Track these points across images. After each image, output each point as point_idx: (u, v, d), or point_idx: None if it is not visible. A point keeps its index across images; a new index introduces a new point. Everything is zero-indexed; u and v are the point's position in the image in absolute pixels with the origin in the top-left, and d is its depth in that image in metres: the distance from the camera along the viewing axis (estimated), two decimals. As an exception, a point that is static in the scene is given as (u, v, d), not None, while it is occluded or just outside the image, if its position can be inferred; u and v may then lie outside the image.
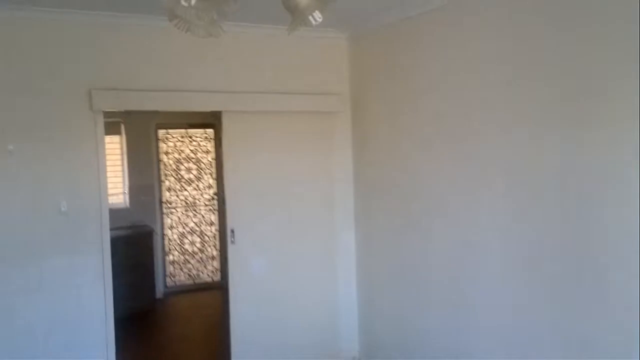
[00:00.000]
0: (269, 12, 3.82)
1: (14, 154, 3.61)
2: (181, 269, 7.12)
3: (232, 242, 4.29)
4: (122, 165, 6.59)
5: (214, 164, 6.80)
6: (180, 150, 6.95)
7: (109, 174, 6.55)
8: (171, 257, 7.06)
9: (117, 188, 6.57)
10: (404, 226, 4.03)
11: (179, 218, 7.02)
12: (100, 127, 3.91)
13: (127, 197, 6.59)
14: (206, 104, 4.18)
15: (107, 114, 5.97)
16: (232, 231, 4.28)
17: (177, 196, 6.99)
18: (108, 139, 6.52)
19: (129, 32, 3.88)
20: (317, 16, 1.55)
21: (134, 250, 6.18)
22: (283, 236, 4.44)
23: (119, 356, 3.96)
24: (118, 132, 6.55)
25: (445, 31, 3.52)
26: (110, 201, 6.59)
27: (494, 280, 3.21)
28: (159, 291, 6.73)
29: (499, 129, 3.12)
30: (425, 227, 3.79)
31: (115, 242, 5.96)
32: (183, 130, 6.95)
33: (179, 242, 7.08)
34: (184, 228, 7.08)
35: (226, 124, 4.25)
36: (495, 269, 3.19)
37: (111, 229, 6.07)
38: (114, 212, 6.38)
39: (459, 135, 3.44)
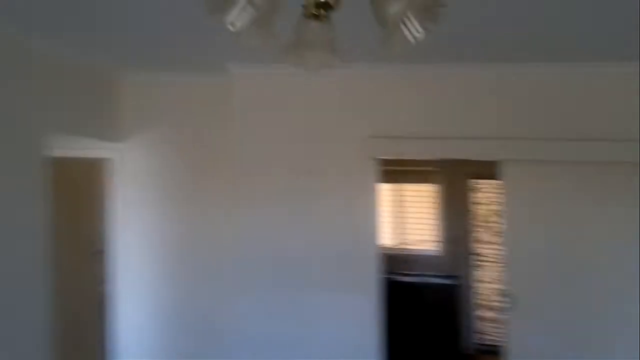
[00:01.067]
0: (558, 49, 3.35)
1: (301, 192, 4.01)
2: (492, 328, 6.60)
3: (510, 307, 3.75)
4: (437, 213, 6.60)
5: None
6: (492, 201, 6.55)
7: (423, 222, 6.75)
8: (482, 314, 6.63)
9: (429, 236, 6.62)
10: None
11: (490, 272, 6.57)
12: (375, 174, 4.00)
13: (439, 245, 6.54)
14: (481, 153, 3.86)
15: (423, 163, 6.25)
16: (509, 295, 3.75)
17: (489, 249, 6.57)
18: (423, 187, 6.76)
19: (402, 81, 3.92)
20: (416, 27, 1.22)
21: (441, 299, 6.07)
22: (572, 306, 3.68)
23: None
24: (433, 181, 6.61)
25: None
26: (421, 248, 6.76)
27: None
28: (466, 346, 6.38)
29: None
30: None
31: (421, 289, 6.06)
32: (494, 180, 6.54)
33: (489, 298, 6.60)
34: (494, 283, 6.58)
35: (505, 173, 3.83)
36: None
37: (419, 275, 6.20)
38: (425, 259, 6.51)
39: None
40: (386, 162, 6.11)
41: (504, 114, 3.80)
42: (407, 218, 6.95)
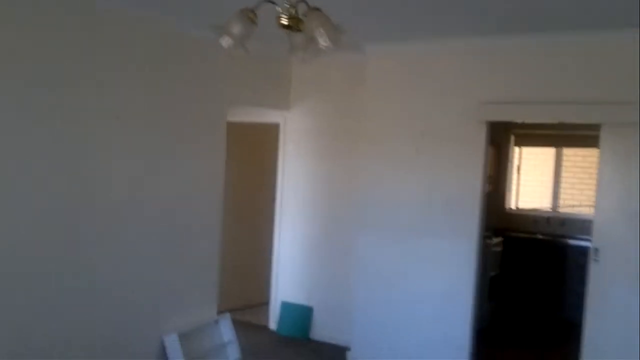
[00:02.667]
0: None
1: (419, 151, 4.71)
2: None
3: (596, 260, 3.99)
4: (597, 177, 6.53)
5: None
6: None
7: (583, 185, 6.72)
8: None
9: (587, 199, 6.60)
10: None
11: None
12: (483, 135, 4.46)
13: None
14: (584, 115, 4.09)
15: (583, 127, 6.24)
16: (597, 250, 3.99)
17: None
18: (583, 151, 6.70)
19: (511, 51, 4.31)
20: (325, 39, 1.99)
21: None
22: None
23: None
24: (594, 145, 6.52)
25: None
26: (579, 211, 6.75)
27: None
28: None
29: None
30: None
31: (563, 249, 6.15)
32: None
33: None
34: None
35: (604, 138, 4.02)
36: None
37: (573, 237, 6.29)
38: (574, 222, 6.53)
39: None
40: (543, 127, 6.32)
41: (605, 79, 3.95)
42: (565, 182, 6.98)
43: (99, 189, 3.80)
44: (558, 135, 6.74)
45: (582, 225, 6.50)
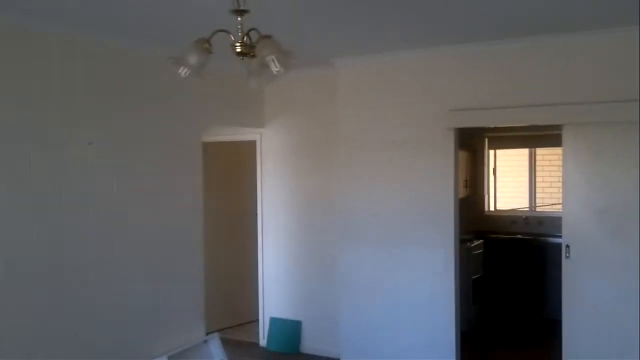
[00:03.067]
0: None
1: (392, 161, 4.81)
2: None
3: (567, 256, 4.11)
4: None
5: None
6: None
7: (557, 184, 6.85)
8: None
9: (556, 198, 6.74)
10: None
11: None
12: (452, 142, 4.58)
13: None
14: (546, 117, 4.23)
15: (555, 127, 6.39)
16: (568, 247, 4.11)
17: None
18: (557, 150, 6.82)
19: (474, 59, 4.46)
20: (277, 65, 2.10)
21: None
22: (631, 258, 3.88)
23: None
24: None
25: None
26: (555, 210, 6.88)
27: None
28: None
29: None
30: None
31: (543, 248, 6.26)
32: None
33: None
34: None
35: (566, 138, 4.15)
36: None
37: (545, 236, 6.42)
38: (552, 220, 6.66)
39: None
40: (515, 129, 6.45)
41: (565, 82, 4.09)
42: (542, 181, 7.12)
43: (78, 215, 3.86)
44: (531, 136, 6.87)
45: (559, 223, 6.59)
